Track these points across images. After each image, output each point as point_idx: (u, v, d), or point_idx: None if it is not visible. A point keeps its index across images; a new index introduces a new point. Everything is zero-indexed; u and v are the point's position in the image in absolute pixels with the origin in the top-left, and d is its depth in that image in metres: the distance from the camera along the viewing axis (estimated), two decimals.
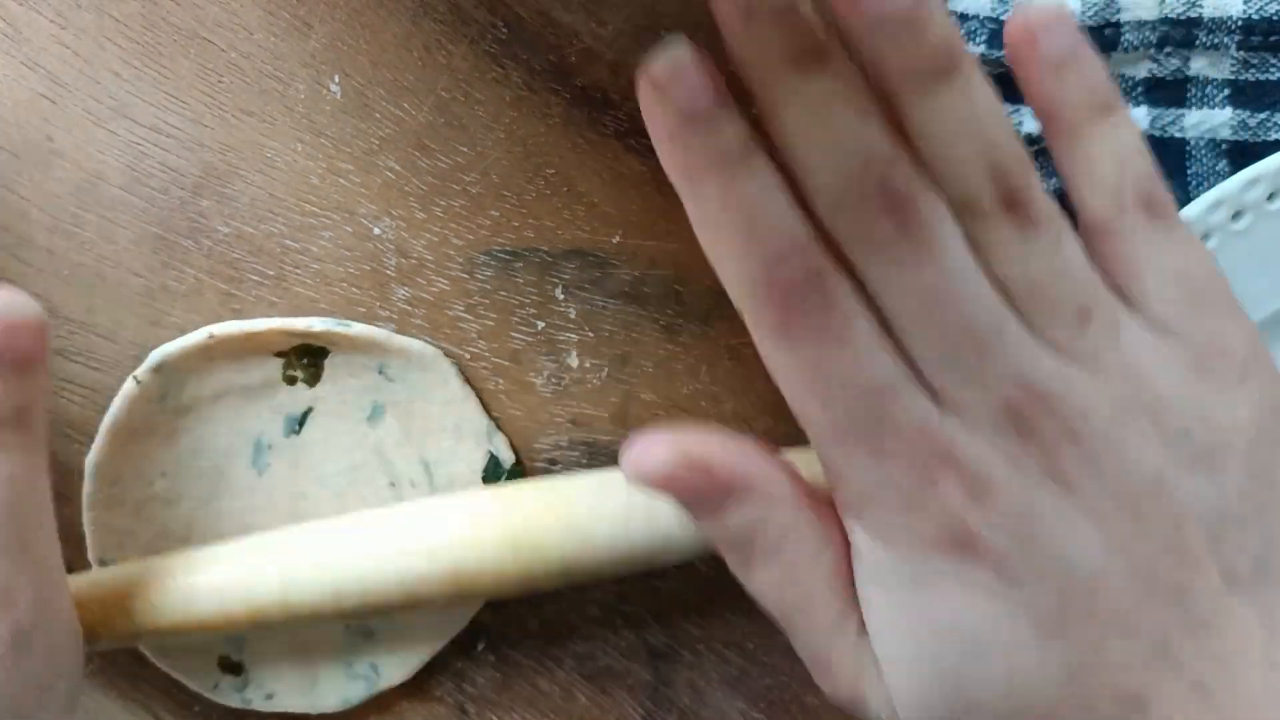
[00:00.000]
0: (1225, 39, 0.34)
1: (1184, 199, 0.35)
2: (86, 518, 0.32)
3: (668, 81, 0.23)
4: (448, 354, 0.32)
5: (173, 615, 0.30)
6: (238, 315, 0.32)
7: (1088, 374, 0.24)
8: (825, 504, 0.25)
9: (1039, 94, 0.26)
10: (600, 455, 0.33)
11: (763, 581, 0.25)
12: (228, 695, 0.33)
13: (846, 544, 0.25)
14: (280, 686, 0.33)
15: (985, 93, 0.24)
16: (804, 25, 0.23)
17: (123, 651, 0.33)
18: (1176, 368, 0.24)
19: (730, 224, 0.23)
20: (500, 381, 0.33)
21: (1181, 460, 0.24)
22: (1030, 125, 0.35)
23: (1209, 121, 0.35)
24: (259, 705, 0.33)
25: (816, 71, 0.23)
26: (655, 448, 0.24)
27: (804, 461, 0.26)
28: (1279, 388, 0.25)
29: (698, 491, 0.24)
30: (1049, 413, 0.23)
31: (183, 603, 0.30)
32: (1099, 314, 0.24)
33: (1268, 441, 0.24)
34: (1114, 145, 0.25)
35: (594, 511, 0.30)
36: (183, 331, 0.32)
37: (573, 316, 0.32)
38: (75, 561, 0.32)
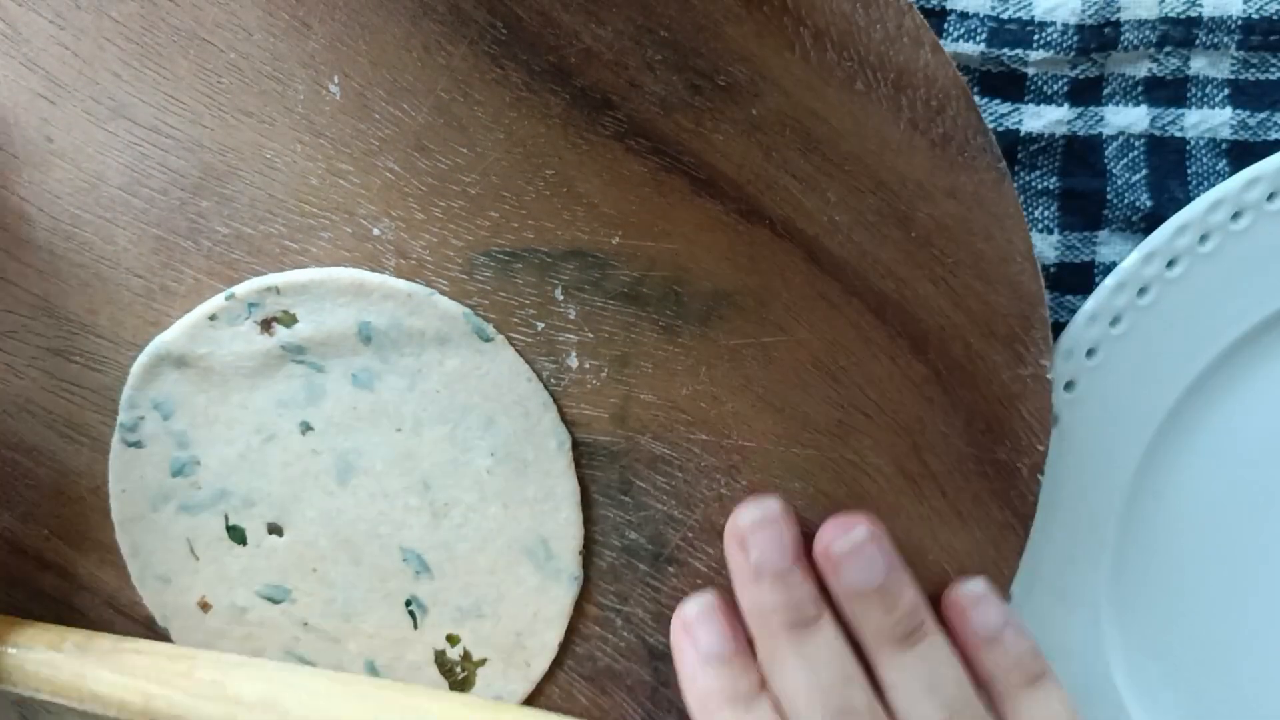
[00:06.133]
0: (1225, 38, 0.34)
1: (1184, 199, 0.35)
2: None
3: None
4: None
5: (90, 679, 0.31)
6: None
7: None
8: None
9: (971, 664, 0.30)
10: (600, 455, 0.33)
11: None
12: None
13: None
14: None
15: (944, 654, 0.29)
16: (799, 593, 0.29)
17: None
18: None
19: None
20: None
21: None
22: (1030, 125, 0.35)
23: (1209, 121, 0.35)
24: None
25: (808, 637, 0.29)
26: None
27: None
28: None
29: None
30: None
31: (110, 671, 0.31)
32: None
33: None
34: (1043, 713, 0.29)
35: None
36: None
37: (572, 317, 0.32)
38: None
